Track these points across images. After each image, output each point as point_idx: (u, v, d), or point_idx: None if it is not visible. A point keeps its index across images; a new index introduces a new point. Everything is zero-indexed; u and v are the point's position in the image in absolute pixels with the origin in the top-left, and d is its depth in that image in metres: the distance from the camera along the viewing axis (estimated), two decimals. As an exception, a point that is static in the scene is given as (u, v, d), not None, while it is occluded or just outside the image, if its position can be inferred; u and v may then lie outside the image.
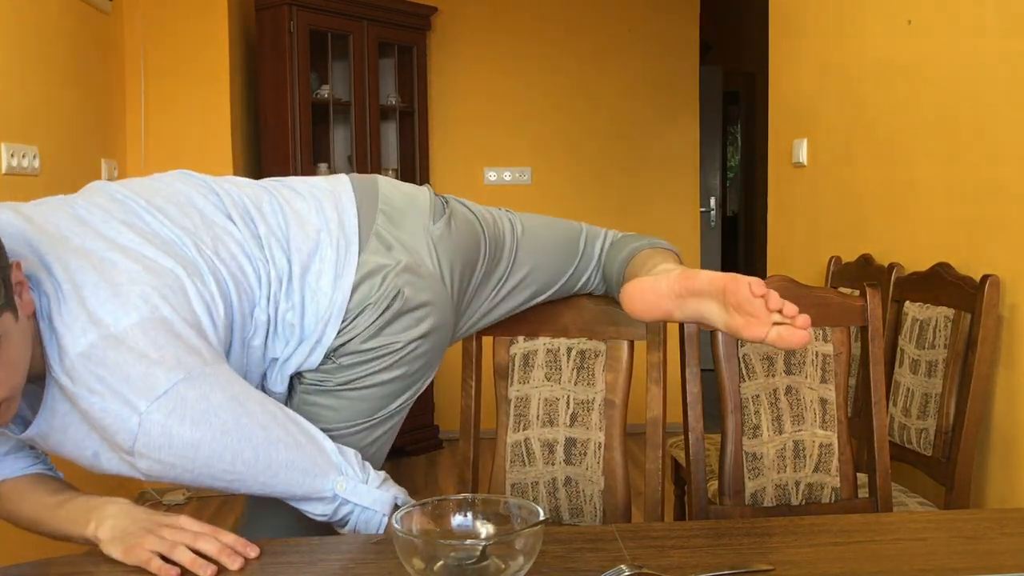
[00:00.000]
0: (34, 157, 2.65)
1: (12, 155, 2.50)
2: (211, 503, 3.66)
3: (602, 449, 1.66)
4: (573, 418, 1.68)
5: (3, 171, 2.47)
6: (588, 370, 1.69)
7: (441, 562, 0.93)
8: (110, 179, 3.34)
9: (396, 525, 0.95)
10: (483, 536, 1.01)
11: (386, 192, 1.39)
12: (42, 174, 2.73)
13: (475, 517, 1.03)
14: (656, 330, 1.68)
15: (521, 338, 1.72)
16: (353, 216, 1.32)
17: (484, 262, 1.44)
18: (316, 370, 1.30)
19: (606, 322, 1.69)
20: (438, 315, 1.33)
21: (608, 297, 1.69)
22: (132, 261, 1.12)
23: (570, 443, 1.68)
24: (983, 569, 1.04)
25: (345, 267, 1.28)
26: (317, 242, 1.29)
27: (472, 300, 1.43)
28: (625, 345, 1.68)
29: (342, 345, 1.28)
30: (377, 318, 1.28)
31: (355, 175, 1.42)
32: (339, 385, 1.29)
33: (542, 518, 0.95)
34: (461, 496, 1.06)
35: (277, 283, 1.25)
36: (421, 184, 1.51)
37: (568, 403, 1.69)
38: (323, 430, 1.23)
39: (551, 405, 1.69)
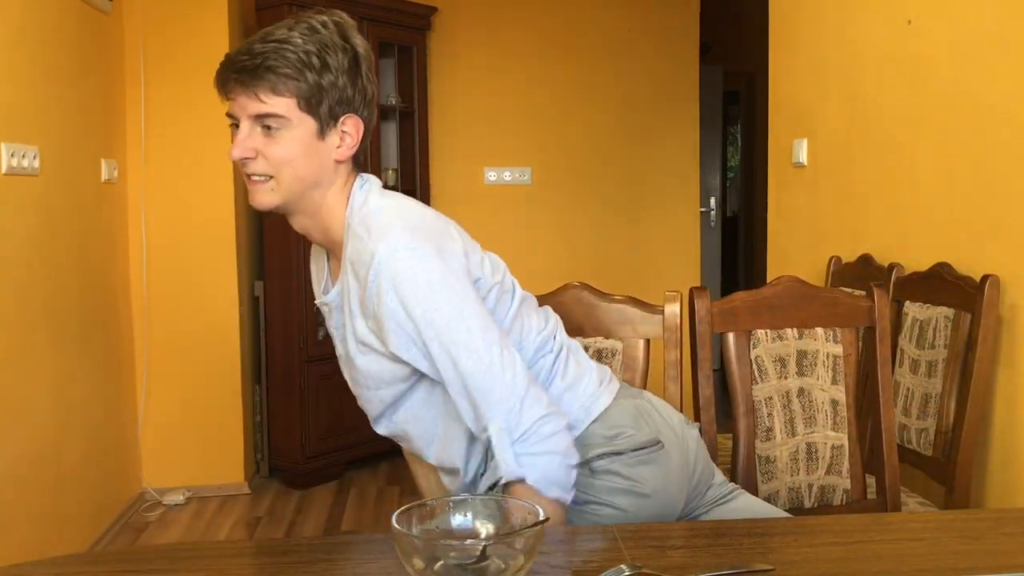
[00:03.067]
0: (34, 157, 2.65)
1: (12, 155, 2.50)
2: (211, 504, 3.66)
3: None
4: None
5: (3, 171, 2.47)
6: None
7: (441, 562, 0.93)
8: (110, 179, 3.35)
9: (396, 525, 0.95)
10: (483, 536, 1.01)
11: (649, 394, 1.51)
12: (42, 174, 2.73)
13: (475, 517, 1.03)
14: (673, 328, 1.69)
15: None
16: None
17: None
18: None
19: (622, 321, 1.70)
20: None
21: (623, 296, 1.72)
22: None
23: None
24: (983, 569, 1.04)
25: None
26: None
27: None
28: (641, 344, 1.69)
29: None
30: (633, 450, 1.35)
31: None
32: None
33: (542, 518, 0.95)
34: (461, 496, 1.06)
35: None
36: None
37: None
38: None
39: None
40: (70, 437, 2.97)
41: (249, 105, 1.27)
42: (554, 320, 1.46)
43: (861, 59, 2.56)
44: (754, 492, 1.72)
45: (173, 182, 3.64)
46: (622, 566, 1.01)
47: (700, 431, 1.50)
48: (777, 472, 1.73)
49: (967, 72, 2.09)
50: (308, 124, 1.28)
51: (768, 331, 1.73)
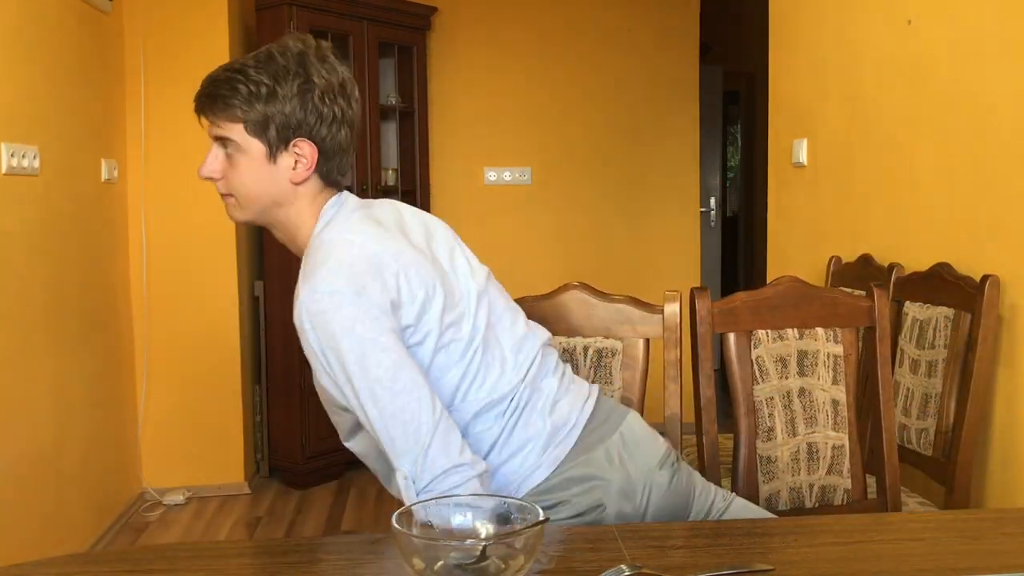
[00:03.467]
0: (34, 157, 2.65)
1: (12, 155, 2.50)
2: (211, 504, 3.66)
3: None
4: None
5: (3, 171, 2.47)
6: (605, 368, 1.70)
7: (441, 562, 0.93)
8: (110, 179, 3.35)
9: (396, 525, 0.95)
10: (483, 536, 1.01)
11: (632, 421, 1.46)
12: (42, 174, 2.73)
13: (475, 517, 1.03)
14: (673, 328, 1.69)
15: None
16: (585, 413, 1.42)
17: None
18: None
19: (621, 321, 1.70)
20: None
21: (623, 296, 1.72)
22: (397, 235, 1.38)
23: None
24: (983, 569, 1.04)
25: (558, 446, 1.37)
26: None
27: None
28: (641, 343, 1.70)
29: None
30: (571, 516, 1.34)
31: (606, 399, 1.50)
32: None
33: (542, 518, 0.95)
34: (461, 496, 1.06)
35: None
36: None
37: None
38: None
39: None
40: (70, 437, 2.97)
41: (211, 128, 1.37)
42: (521, 372, 1.39)
43: (861, 59, 2.56)
44: (755, 492, 1.72)
45: (173, 182, 3.64)
46: (622, 566, 1.01)
47: (674, 468, 1.43)
48: (778, 472, 1.73)
49: (967, 72, 2.09)
50: (256, 148, 1.35)
51: (769, 331, 1.73)
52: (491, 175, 4.64)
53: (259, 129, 1.34)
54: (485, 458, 1.33)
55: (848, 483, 1.76)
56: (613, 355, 1.70)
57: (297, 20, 3.75)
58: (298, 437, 3.85)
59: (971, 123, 2.08)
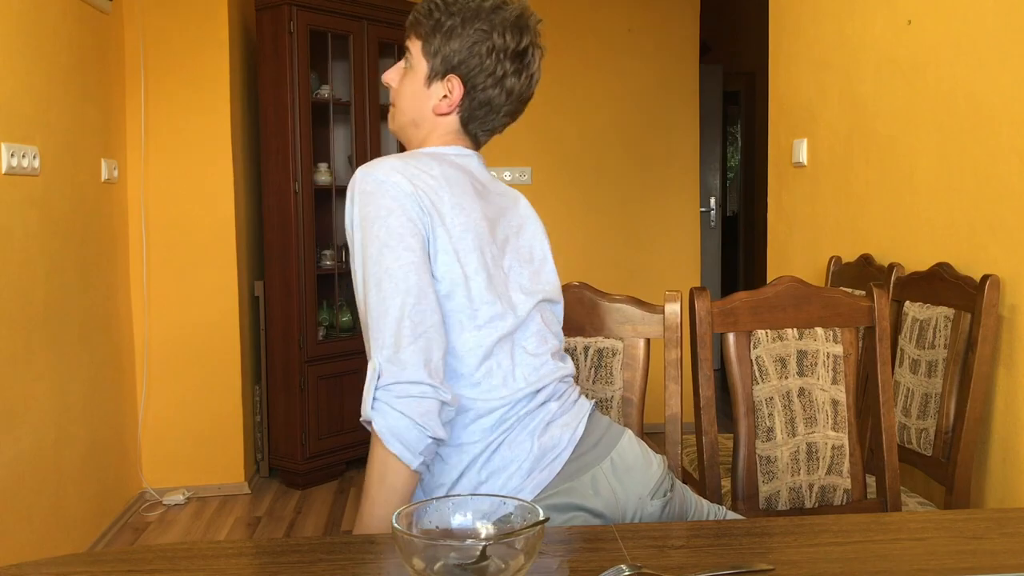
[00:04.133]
0: (34, 157, 2.65)
1: (12, 155, 2.50)
2: (211, 504, 3.66)
3: None
4: None
5: (3, 171, 2.47)
6: (606, 368, 1.70)
7: (441, 562, 0.92)
8: (110, 179, 3.34)
9: (396, 525, 0.95)
10: (483, 536, 1.01)
11: (625, 445, 1.40)
12: (42, 174, 2.73)
13: (475, 517, 1.03)
14: (674, 328, 1.69)
15: None
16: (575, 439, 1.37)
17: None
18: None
19: (622, 320, 1.70)
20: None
21: (622, 296, 1.72)
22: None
23: None
24: (983, 569, 1.04)
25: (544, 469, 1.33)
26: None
27: None
28: (642, 343, 1.70)
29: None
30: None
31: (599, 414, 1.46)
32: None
33: (542, 518, 0.95)
34: (461, 496, 1.06)
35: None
36: None
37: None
38: None
39: None
40: (70, 437, 2.97)
41: (405, 41, 1.48)
42: (519, 395, 1.34)
43: (861, 59, 2.56)
44: (755, 492, 1.72)
45: (173, 182, 3.64)
46: (622, 566, 1.01)
47: (667, 498, 1.39)
48: (778, 472, 1.73)
49: (967, 72, 2.09)
50: (422, 67, 1.44)
51: (768, 331, 1.73)
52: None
53: (430, 53, 1.43)
54: (463, 473, 1.30)
55: (848, 483, 1.76)
56: (614, 355, 1.70)
57: (297, 20, 3.76)
58: (298, 437, 3.85)
59: (971, 123, 2.08)
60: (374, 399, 1.22)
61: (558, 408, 1.38)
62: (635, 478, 1.37)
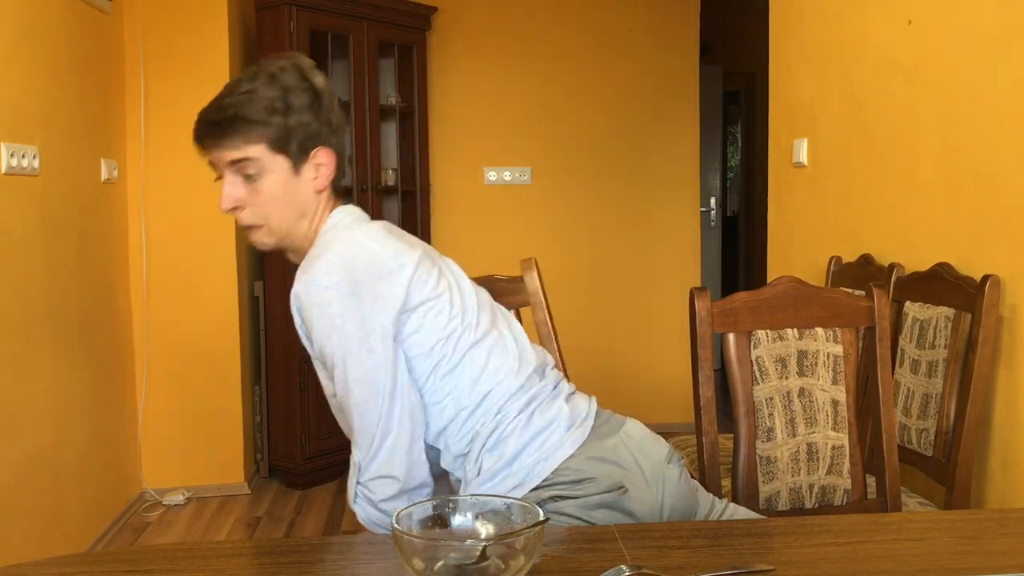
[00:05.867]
0: (34, 157, 2.65)
1: (12, 155, 2.50)
2: (211, 504, 3.66)
3: None
4: None
5: (3, 171, 2.47)
6: None
7: (441, 562, 0.93)
8: (110, 179, 3.34)
9: (396, 525, 0.95)
10: (483, 536, 1.01)
11: (631, 424, 1.48)
12: (42, 174, 2.73)
13: (475, 517, 1.03)
14: (535, 292, 1.78)
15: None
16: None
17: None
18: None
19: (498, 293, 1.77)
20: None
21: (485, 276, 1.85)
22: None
23: None
24: (983, 569, 1.04)
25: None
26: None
27: None
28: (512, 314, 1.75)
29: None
30: (598, 493, 1.34)
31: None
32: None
33: (542, 518, 0.95)
34: (461, 496, 1.06)
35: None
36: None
37: None
38: None
39: None
40: (70, 437, 2.97)
41: (225, 154, 1.38)
42: (530, 368, 1.46)
43: (861, 59, 2.56)
44: (755, 492, 1.72)
45: (173, 182, 3.64)
46: (622, 566, 1.00)
47: (680, 464, 1.47)
48: (778, 472, 1.73)
49: (967, 72, 2.09)
50: (282, 163, 1.39)
51: (768, 331, 1.73)
52: (491, 175, 4.64)
53: (282, 143, 1.37)
54: (504, 441, 1.37)
55: (848, 483, 1.75)
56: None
57: (297, 20, 3.76)
58: (298, 437, 3.85)
59: (971, 123, 2.08)
60: (356, 493, 1.37)
61: (568, 387, 1.50)
62: (650, 448, 1.44)
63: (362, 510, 1.37)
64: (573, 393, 1.50)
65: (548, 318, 1.98)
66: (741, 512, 1.51)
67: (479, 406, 1.39)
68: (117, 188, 3.47)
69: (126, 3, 3.56)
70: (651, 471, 1.40)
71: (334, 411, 1.47)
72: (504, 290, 1.93)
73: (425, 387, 1.38)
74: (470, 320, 1.42)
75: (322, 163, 1.42)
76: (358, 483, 1.36)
